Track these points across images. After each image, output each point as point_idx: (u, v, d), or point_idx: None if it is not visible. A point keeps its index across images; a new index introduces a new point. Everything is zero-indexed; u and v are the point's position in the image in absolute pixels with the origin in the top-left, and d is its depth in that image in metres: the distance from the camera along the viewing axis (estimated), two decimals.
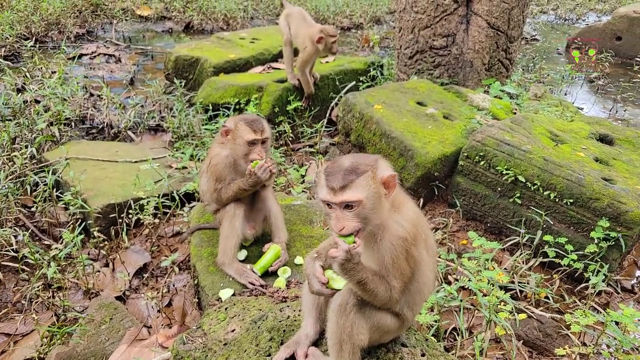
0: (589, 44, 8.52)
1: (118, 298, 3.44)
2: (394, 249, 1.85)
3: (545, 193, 3.74)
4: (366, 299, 1.90)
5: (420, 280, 1.98)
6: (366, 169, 1.79)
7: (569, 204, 3.65)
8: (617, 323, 2.90)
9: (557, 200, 3.70)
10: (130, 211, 3.97)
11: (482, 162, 4.05)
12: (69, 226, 3.95)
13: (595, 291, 3.35)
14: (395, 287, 1.87)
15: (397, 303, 1.96)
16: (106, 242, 3.86)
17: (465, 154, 4.16)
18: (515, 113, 5.08)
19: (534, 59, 8.81)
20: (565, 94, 7.50)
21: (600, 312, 3.28)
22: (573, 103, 6.92)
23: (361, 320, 1.91)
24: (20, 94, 5.73)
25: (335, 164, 1.85)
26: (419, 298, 2.03)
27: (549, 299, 3.37)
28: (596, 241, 3.48)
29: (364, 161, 1.83)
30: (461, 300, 3.08)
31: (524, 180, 3.82)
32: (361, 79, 6.32)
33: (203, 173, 3.15)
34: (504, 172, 3.90)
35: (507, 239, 3.87)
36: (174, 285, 3.57)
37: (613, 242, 3.47)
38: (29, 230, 3.92)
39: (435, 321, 2.96)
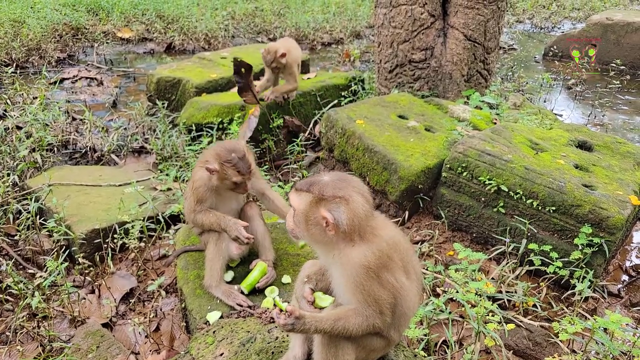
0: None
1: (105, 325, 3.39)
2: (355, 276, 1.86)
3: (528, 201, 3.79)
4: (348, 336, 1.92)
5: (404, 305, 1.98)
6: (314, 192, 1.89)
7: (551, 211, 3.70)
8: (605, 329, 2.93)
9: (539, 208, 3.75)
10: (115, 236, 3.94)
11: (464, 173, 4.09)
12: (53, 253, 3.91)
13: (581, 297, 3.38)
14: (371, 315, 1.88)
15: (384, 326, 1.95)
16: (91, 268, 3.82)
17: (448, 166, 4.20)
18: (495, 123, 5.15)
19: (512, 68, 8.96)
20: (545, 102, 7.63)
21: (588, 319, 3.31)
22: (552, 110, 7.04)
23: (346, 340, 1.91)
24: (1, 120, 5.69)
25: (328, 173, 1.98)
26: (403, 321, 2.04)
27: (537, 307, 3.40)
28: (580, 247, 3.52)
29: (327, 187, 1.90)
30: (450, 313, 3.09)
31: (506, 190, 3.86)
32: (343, 94, 6.37)
33: (187, 195, 3.15)
34: (487, 182, 3.95)
35: (493, 248, 3.90)
36: (161, 310, 3.54)
37: (597, 248, 3.51)
38: (13, 260, 3.87)
39: (425, 335, 2.97)
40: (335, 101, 6.17)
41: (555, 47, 9.83)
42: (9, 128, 5.50)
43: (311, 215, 1.89)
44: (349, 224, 1.85)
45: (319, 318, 1.88)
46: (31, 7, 10.03)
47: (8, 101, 6.29)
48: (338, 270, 1.93)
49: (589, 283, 3.42)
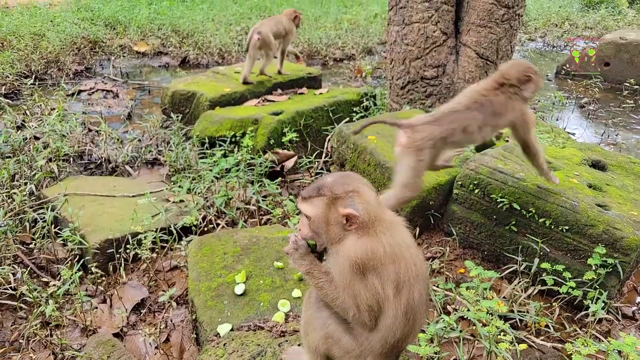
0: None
1: (116, 335, 3.41)
2: (339, 264, 1.93)
3: (540, 220, 3.77)
4: (322, 297, 2.03)
5: (381, 321, 1.94)
6: (327, 194, 1.95)
7: (564, 230, 3.68)
8: (619, 352, 2.89)
9: (552, 227, 3.73)
10: (127, 246, 3.97)
11: (476, 191, 4.09)
12: (67, 262, 3.95)
13: (595, 319, 3.34)
14: (345, 301, 1.92)
15: (358, 323, 1.96)
16: (104, 278, 3.85)
17: (460, 183, 4.20)
18: (507, 141, 5.14)
19: None
20: (557, 120, 7.61)
21: (602, 341, 3.27)
22: (565, 129, 7.02)
23: (315, 319, 2.05)
24: (20, 131, 5.80)
25: (328, 175, 2.05)
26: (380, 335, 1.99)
27: (549, 327, 3.36)
28: (594, 268, 3.49)
29: (336, 185, 1.96)
30: (460, 331, 3.07)
31: (518, 208, 3.85)
32: (354, 109, 6.41)
33: None
34: (499, 200, 3.94)
35: (505, 267, 3.88)
36: (171, 321, 3.55)
37: (611, 269, 3.47)
38: (28, 268, 3.92)
39: (436, 353, 2.95)
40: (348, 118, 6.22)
41: (567, 65, 9.82)
42: (27, 138, 5.60)
43: (331, 216, 1.94)
44: (365, 214, 1.92)
45: (316, 262, 2.02)
46: (51, 21, 10.25)
47: (27, 112, 6.41)
48: (334, 257, 1.99)
49: (603, 304, 3.38)
